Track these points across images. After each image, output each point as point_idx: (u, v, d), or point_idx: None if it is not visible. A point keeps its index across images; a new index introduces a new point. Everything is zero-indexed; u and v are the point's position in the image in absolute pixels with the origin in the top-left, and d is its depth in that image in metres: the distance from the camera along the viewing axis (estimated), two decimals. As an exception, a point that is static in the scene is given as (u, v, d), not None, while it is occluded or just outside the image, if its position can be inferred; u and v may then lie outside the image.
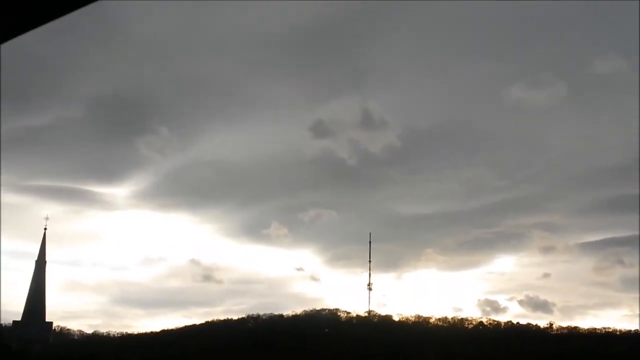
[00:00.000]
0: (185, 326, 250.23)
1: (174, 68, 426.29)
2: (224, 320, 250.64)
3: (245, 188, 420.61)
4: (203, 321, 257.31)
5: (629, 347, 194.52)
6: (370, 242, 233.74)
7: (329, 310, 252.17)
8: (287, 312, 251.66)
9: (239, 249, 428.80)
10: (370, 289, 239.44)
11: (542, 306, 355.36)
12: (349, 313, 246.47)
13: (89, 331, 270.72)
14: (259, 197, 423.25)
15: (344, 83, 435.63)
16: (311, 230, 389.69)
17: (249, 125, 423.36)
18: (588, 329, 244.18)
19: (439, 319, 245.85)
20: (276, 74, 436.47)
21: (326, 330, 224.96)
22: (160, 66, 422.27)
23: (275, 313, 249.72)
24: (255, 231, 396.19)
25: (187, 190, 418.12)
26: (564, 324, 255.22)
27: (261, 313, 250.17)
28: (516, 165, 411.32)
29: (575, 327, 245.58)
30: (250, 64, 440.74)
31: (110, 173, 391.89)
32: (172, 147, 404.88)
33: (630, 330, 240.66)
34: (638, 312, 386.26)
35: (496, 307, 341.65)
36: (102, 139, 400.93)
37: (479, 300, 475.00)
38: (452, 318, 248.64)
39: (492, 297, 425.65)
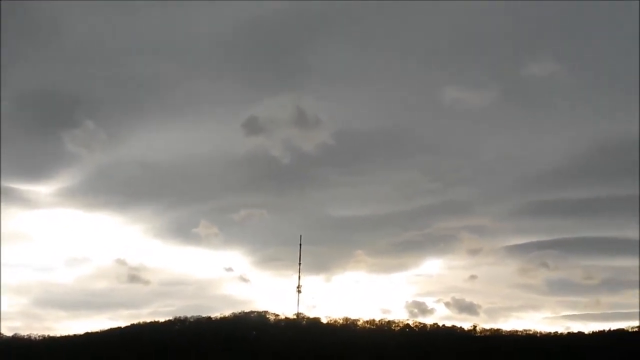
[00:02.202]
0: (110, 328, 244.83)
1: (106, 65, 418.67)
2: (150, 322, 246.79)
3: (175, 187, 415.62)
4: (129, 323, 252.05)
5: (548, 349, 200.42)
6: (300, 244, 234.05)
7: (257, 312, 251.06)
8: (215, 314, 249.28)
9: (167, 250, 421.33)
10: (299, 291, 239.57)
11: (468, 308, 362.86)
12: (278, 315, 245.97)
13: (9, 334, 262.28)
14: (189, 196, 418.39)
15: (279, 81, 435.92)
16: (242, 230, 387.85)
17: (181, 123, 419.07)
18: (510, 331, 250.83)
19: (367, 322, 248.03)
20: (209, 72, 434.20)
21: (254, 332, 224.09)
22: (92, 63, 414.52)
23: (203, 315, 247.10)
24: (184, 232, 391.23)
25: (115, 189, 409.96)
26: (488, 325, 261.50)
27: (189, 315, 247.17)
28: (448, 169, 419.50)
29: (498, 329, 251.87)
30: (183, 63, 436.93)
31: (34, 169, 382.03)
32: (100, 143, 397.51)
33: (550, 333, 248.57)
34: (560, 315, 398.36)
35: (424, 309, 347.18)
36: (26, 134, 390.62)
37: (407, 302, 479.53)
38: (379, 320, 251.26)
39: (420, 299, 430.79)
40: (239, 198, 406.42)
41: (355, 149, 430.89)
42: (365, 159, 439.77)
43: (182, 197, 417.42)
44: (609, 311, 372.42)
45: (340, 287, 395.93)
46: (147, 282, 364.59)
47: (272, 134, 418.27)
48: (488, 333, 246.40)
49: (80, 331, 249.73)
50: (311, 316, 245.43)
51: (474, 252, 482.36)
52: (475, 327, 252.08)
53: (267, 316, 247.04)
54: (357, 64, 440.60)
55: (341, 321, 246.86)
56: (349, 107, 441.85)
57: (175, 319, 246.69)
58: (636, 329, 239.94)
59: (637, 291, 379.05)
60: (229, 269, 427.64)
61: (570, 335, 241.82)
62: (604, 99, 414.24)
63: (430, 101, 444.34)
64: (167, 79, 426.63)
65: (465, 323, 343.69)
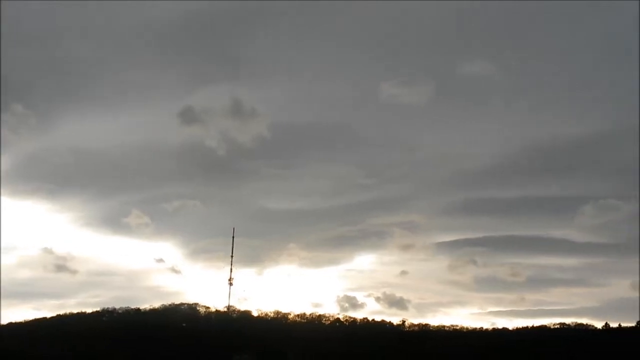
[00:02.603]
0: (35, 319, 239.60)
1: (38, 49, 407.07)
2: (77, 313, 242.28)
3: (107, 176, 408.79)
4: (54, 314, 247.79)
5: (474, 344, 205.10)
6: (233, 236, 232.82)
7: (188, 304, 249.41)
8: (145, 305, 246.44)
9: (97, 239, 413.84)
10: (231, 284, 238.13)
11: (398, 303, 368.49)
12: (208, 308, 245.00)
13: None
14: (120, 185, 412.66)
15: (216, 72, 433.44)
16: (174, 221, 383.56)
17: (115, 110, 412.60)
18: (437, 326, 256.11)
19: (298, 315, 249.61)
20: (145, 60, 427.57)
21: (184, 324, 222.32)
22: (21, 45, 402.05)
23: (132, 307, 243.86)
24: (115, 221, 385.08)
25: (44, 176, 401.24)
26: (417, 320, 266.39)
27: (117, 306, 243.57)
28: (383, 164, 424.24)
29: (426, 325, 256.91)
30: (119, 50, 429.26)
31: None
32: (29, 128, 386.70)
33: (476, 328, 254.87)
34: (487, 311, 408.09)
35: (354, 304, 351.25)
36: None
37: (338, 296, 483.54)
38: (310, 314, 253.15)
39: (351, 294, 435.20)
40: (171, 188, 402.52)
41: (290, 142, 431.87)
42: (300, 152, 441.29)
43: (113, 185, 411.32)
44: (534, 308, 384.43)
45: (272, 281, 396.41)
46: (74, 272, 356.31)
47: (208, 125, 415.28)
48: (416, 328, 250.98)
49: (4, 321, 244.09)
50: (242, 309, 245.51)
51: (405, 247, 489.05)
52: (404, 322, 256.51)
53: (198, 308, 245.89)
54: (294, 57, 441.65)
55: (272, 314, 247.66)
56: (286, 100, 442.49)
57: (103, 310, 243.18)
58: (558, 326, 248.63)
59: (561, 289, 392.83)
60: (160, 260, 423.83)
61: (495, 331, 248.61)
62: (537, 100, 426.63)
63: (367, 96, 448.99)
64: (102, 66, 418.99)
65: (395, 318, 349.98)
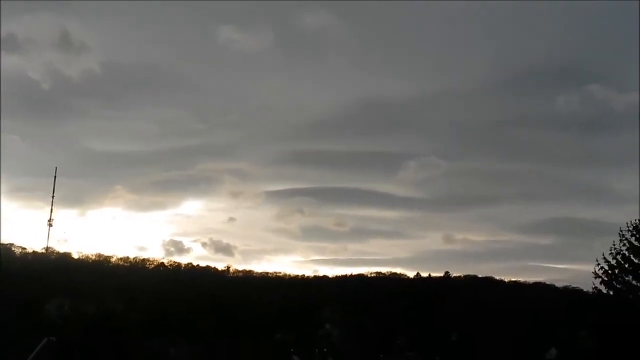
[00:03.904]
0: None
1: None
2: None
3: None
4: None
5: (293, 290, 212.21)
6: (55, 175, 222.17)
7: (2, 244, 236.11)
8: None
9: None
10: (50, 225, 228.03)
11: (224, 249, 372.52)
12: (25, 249, 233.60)
13: None
14: None
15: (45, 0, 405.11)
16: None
17: None
18: (261, 273, 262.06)
19: (121, 259, 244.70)
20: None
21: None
22: None
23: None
24: None
25: None
26: (241, 267, 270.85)
27: None
28: (215, 110, 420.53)
29: (250, 271, 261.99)
30: None
31: None
32: None
33: (298, 275, 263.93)
34: (310, 259, 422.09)
35: (180, 248, 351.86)
36: None
37: (164, 241, 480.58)
38: (133, 258, 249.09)
39: (177, 239, 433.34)
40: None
41: (121, 81, 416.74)
42: (130, 93, 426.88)
43: None
44: (354, 257, 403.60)
45: (96, 223, 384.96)
46: None
47: (31, 55, 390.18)
48: (240, 274, 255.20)
49: None
50: (61, 251, 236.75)
51: (234, 195, 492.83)
52: (229, 267, 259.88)
53: (13, 249, 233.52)
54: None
55: (93, 257, 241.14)
56: (119, 37, 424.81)
57: None
58: (374, 274, 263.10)
59: (380, 240, 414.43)
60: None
61: (316, 278, 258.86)
62: (373, 57, 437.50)
63: (203, 39, 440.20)
64: None
65: (220, 264, 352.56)
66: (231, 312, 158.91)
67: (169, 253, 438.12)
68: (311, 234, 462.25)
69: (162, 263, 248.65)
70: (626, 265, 51.34)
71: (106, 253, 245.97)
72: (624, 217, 52.67)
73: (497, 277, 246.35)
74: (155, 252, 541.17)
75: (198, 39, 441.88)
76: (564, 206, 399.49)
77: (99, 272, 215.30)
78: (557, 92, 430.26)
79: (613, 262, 51.46)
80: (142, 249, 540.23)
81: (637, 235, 51.40)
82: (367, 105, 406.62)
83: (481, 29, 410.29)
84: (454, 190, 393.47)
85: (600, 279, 51.47)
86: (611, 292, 51.60)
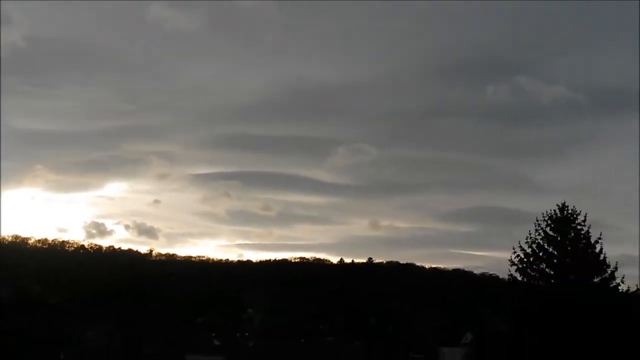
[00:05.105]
0: None
1: None
2: None
3: None
4: None
5: (216, 275, 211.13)
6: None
7: None
8: None
9: None
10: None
11: (147, 232, 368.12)
12: None
13: None
14: None
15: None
16: None
17: None
18: (185, 257, 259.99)
19: (39, 240, 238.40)
20: None
21: None
22: None
23: None
24: None
25: None
26: (165, 250, 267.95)
27: None
28: (143, 91, 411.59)
29: (174, 255, 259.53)
30: None
31: None
32: None
33: (222, 260, 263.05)
34: (235, 243, 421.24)
35: (102, 231, 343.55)
36: None
37: (85, 223, 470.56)
38: (52, 240, 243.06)
39: (99, 221, 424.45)
40: None
41: (47, 58, 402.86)
42: (56, 70, 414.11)
43: None
44: (279, 242, 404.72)
45: (14, 203, 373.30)
46: None
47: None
48: (164, 258, 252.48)
49: None
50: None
51: (160, 177, 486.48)
52: (151, 251, 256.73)
53: None
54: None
55: (10, 239, 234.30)
56: (47, 13, 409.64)
57: None
58: (298, 260, 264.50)
59: (306, 225, 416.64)
60: None
61: (240, 262, 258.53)
62: (307, 43, 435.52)
63: (134, 16, 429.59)
64: None
65: (143, 247, 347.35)
66: (152, 296, 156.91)
67: (90, 235, 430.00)
68: (237, 218, 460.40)
69: (82, 245, 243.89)
70: (540, 254, 53.23)
71: (24, 234, 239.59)
72: (542, 206, 54.54)
73: (419, 264, 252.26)
74: (76, 235, 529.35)
75: (128, 16, 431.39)
76: (487, 195, 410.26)
77: (16, 254, 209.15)
78: (486, 82, 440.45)
79: (528, 250, 53.30)
80: (62, 230, 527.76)
81: (552, 225, 53.38)
82: (297, 91, 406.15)
83: (415, 20, 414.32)
84: (381, 177, 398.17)
85: (515, 267, 53.16)
86: (525, 279, 53.28)
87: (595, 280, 52.50)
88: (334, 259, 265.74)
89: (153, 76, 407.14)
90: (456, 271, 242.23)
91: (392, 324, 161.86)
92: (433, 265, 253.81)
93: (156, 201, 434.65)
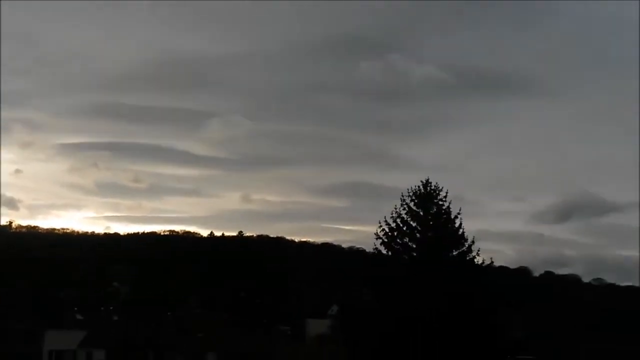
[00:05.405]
0: None
1: None
2: None
3: None
4: None
5: (82, 247, 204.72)
6: None
7: None
8: None
9: None
10: None
11: (8, 203, 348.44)
12: None
13: None
14: None
15: None
16: None
17: None
18: (48, 229, 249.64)
19: None
20: None
21: None
22: None
23: None
24: None
25: None
26: (26, 222, 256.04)
27: None
28: (5, 56, 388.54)
29: (36, 227, 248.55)
30: None
31: None
32: None
33: (87, 232, 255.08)
34: (103, 215, 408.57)
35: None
36: None
37: None
38: None
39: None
40: None
41: None
42: None
43: None
44: (149, 215, 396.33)
45: None
46: None
47: None
48: (24, 230, 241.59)
49: None
50: None
51: (23, 146, 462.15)
52: (11, 222, 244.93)
53: None
54: None
55: None
56: None
57: None
58: (167, 232, 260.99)
59: (178, 198, 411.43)
60: None
61: (107, 235, 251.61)
62: (182, 13, 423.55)
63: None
64: None
65: (3, 218, 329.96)
66: (12, 269, 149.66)
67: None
68: (106, 189, 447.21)
69: None
70: (404, 228, 55.00)
71: None
72: (408, 182, 56.32)
73: (289, 237, 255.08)
74: None
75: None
76: (357, 170, 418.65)
77: None
78: (359, 60, 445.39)
79: (393, 225, 54.91)
80: None
81: (416, 201, 55.24)
82: (172, 61, 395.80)
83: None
84: (254, 151, 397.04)
85: (380, 240, 54.73)
86: (390, 253, 54.99)
87: (454, 253, 54.81)
88: (205, 232, 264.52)
89: (16, 39, 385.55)
90: (325, 245, 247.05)
91: (260, 297, 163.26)
92: (303, 239, 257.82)
93: (18, 171, 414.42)
